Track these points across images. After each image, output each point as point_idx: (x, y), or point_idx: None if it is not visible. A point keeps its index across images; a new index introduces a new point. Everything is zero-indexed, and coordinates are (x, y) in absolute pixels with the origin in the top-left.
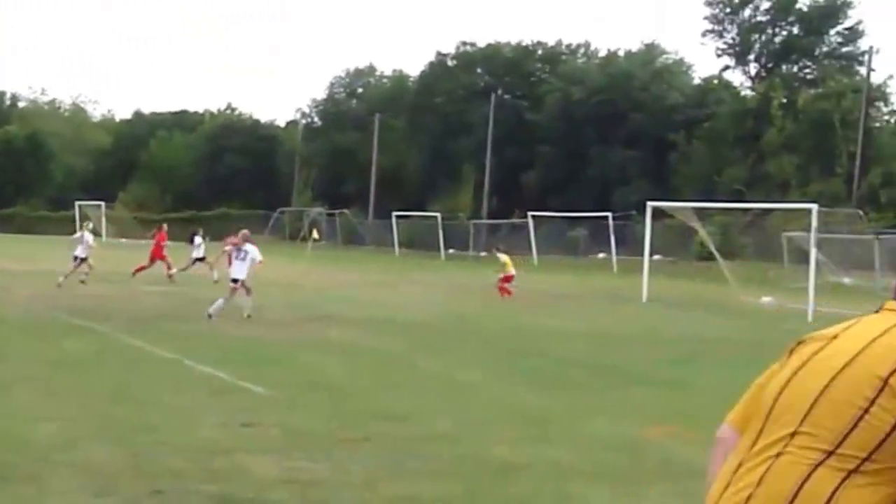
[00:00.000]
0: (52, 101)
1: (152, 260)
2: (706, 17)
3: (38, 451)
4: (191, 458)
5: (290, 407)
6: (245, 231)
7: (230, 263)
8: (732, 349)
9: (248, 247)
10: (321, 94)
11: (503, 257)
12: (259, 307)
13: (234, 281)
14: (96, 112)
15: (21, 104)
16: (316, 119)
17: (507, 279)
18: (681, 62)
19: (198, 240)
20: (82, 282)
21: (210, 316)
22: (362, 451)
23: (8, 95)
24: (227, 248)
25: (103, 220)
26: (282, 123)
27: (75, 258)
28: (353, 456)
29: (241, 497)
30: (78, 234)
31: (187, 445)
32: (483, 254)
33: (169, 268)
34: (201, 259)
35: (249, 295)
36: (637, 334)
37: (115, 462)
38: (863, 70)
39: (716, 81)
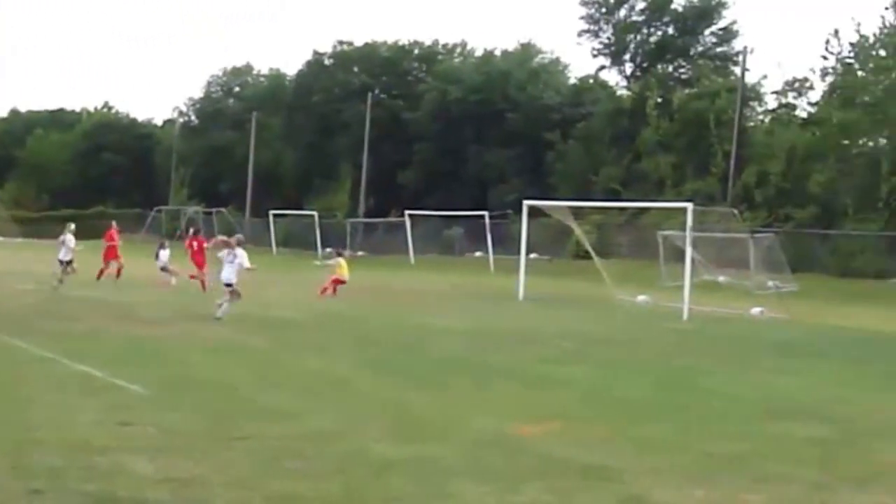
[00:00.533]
0: None
1: (107, 260)
2: (582, 17)
3: None
4: (69, 457)
5: (168, 405)
6: (239, 236)
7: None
8: (608, 347)
9: (239, 251)
10: (198, 93)
11: (342, 262)
12: (135, 305)
13: (228, 285)
14: None
15: None
16: (193, 118)
17: (339, 282)
18: (557, 62)
19: (164, 253)
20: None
21: (219, 318)
22: (241, 449)
23: None
24: (221, 253)
25: None
26: (159, 122)
27: (61, 262)
28: (231, 455)
29: (121, 496)
30: (61, 238)
31: (65, 444)
32: (360, 253)
33: (120, 270)
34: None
35: (232, 300)
36: (514, 332)
37: None
38: (737, 70)
39: (592, 81)
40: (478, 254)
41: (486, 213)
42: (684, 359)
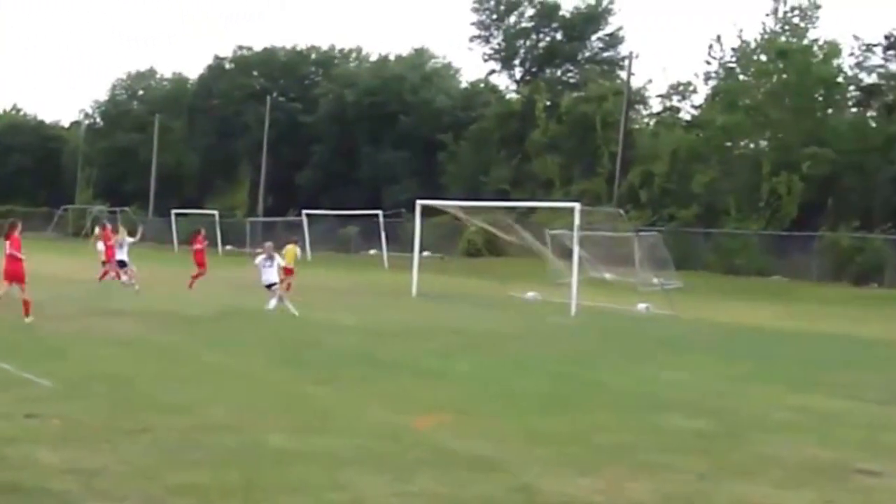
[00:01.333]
0: None
1: (108, 261)
2: (473, 23)
3: None
4: None
5: (73, 398)
6: (269, 243)
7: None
8: (499, 341)
9: (276, 256)
10: (103, 96)
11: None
12: (43, 302)
13: (271, 285)
14: None
15: None
16: (98, 120)
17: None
18: (449, 66)
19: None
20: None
21: (270, 310)
22: (143, 441)
23: None
24: (258, 260)
25: None
26: (66, 124)
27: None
28: (134, 446)
29: (27, 486)
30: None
31: None
32: (259, 250)
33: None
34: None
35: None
36: (408, 328)
37: None
38: (623, 74)
39: (482, 85)
40: (372, 251)
41: (380, 212)
42: (573, 353)
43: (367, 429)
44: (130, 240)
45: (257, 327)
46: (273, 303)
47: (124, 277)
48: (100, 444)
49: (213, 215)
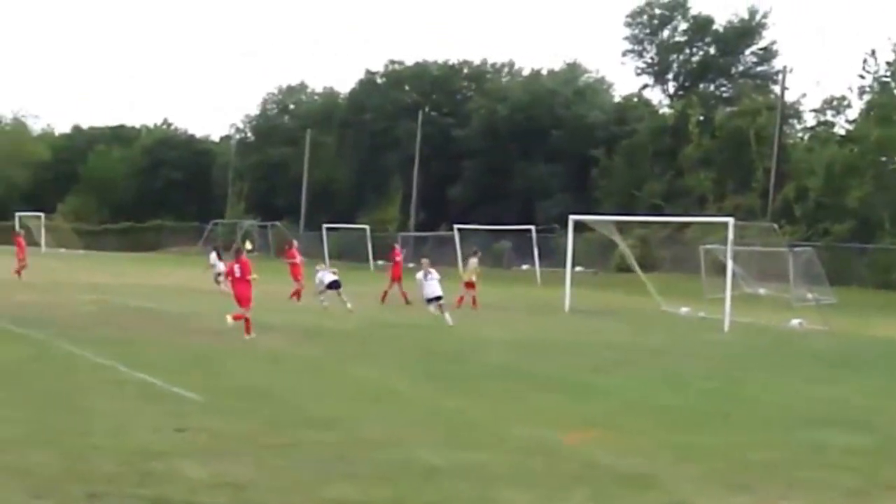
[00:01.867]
0: None
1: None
2: (626, 38)
3: None
4: (125, 462)
5: (221, 412)
6: (426, 259)
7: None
8: (651, 357)
9: (433, 271)
10: (254, 111)
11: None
12: (190, 316)
13: (438, 298)
14: (37, 126)
15: None
16: (249, 134)
17: (471, 286)
18: (602, 81)
19: (214, 256)
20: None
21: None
22: (291, 455)
23: None
24: (419, 275)
25: (42, 230)
26: (216, 138)
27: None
28: (282, 460)
29: (175, 500)
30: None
31: (122, 449)
32: (411, 265)
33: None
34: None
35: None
36: (559, 343)
37: (51, 465)
38: (777, 88)
39: (635, 99)
40: (525, 267)
41: (532, 227)
42: (725, 368)
43: (517, 444)
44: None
45: (407, 341)
46: (448, 318)
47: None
48: (248, 458)
49: (364, 230)
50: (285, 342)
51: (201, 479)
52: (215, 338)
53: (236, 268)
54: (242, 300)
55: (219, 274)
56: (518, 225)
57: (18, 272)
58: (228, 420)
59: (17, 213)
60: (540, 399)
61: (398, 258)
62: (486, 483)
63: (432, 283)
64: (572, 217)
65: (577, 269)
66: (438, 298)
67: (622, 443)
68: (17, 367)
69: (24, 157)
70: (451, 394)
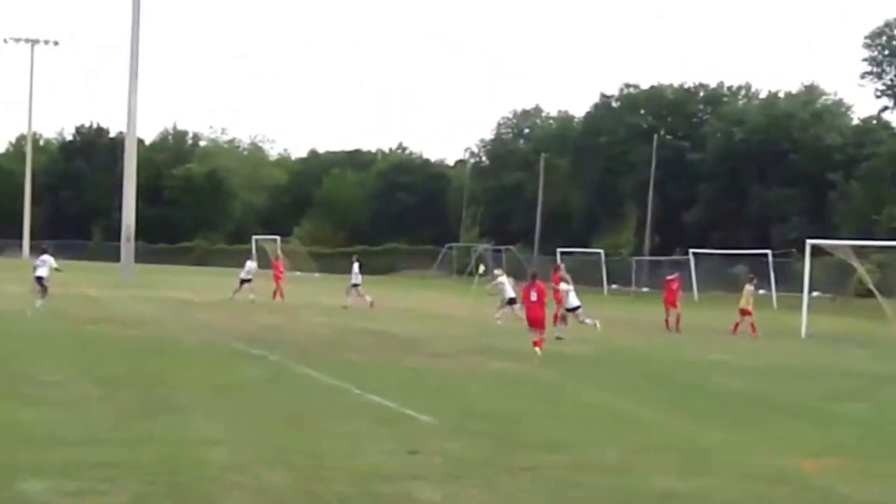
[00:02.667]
0: (232, 141)
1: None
2: (865, 59)
3: (212, 473)
4: (357, 484)
5: (454, 435)
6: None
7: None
8: (893, 385)
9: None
10: (489, 135)
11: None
12: (424, 339)
13: (576, 308)
14: (273, 151)
15: (202, 143)
16: (484, 158)
17: (745, 312)
18: (840, 103)
19: (356, 267)
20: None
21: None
22: (525, 479)
23: (190, 135)
24: (564, 287)
25: (279, 253)
26: (451, 162)
27: (241, 280)
28: (516, 485)
29: None
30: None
31: (354, 471)
32: (645, 289)
33: None
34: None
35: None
36: (797, 369)
37: (285, 486)
38: None
39: (874, 122)
40: (761, 291)
41: (768, 251)
42: None
43: (752, 470)
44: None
45: (639, 366)
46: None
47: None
48: (480, 481)
49: (598, 254)
50: (517, 365)
51: (433, 502)
52: (447, 361)
53: (533, 293)
54: (537, 323)
55: (356, 285)
56: (754, 249)
57: (278, 294)
58: (461, 443)
59: (254, 237)
60: (777, 425)
61: (674, 286)
62: None
63: (572, 294)
64: (809, 241)
65: (814, 293)
66: (577, 308)
67: (862, 471)
68: (253, 388)
69: (261, 181)
70: (686, 419)
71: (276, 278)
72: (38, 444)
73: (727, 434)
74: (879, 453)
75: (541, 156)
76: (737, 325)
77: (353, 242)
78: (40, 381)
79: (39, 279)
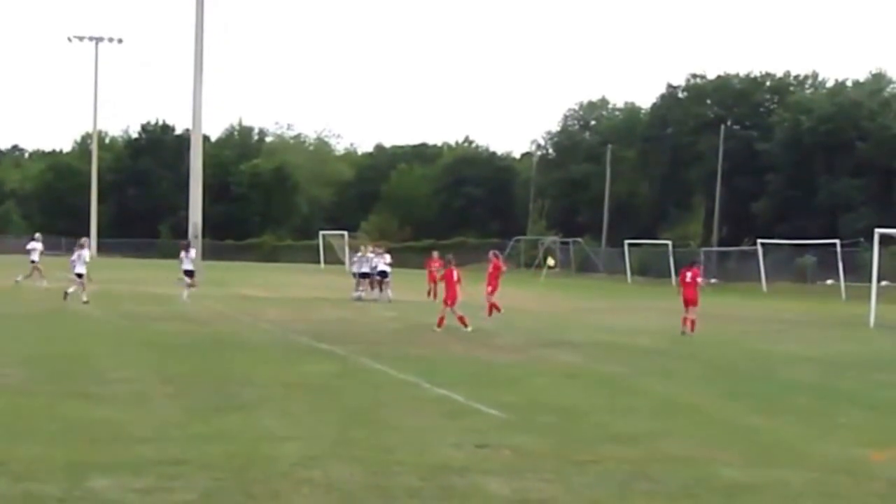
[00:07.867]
0: (298, 136)
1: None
2: None
3: (281, 469)
4: (426, 478)
5: (522, 428)
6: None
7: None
8: None
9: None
10: (555, 127)
11: None
12: (491, 332)
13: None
14: (339, 146)
15: (268, 139)
16: (550, 150)
17: None
18: None
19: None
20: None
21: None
22: (592, 472)
23: (256, 131)
24: None
25: (346, 248)
26: (517, 155)
27: (354, 274)
28: (584, 477)
29: None
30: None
31: (423, 465)
32: (713, 280)
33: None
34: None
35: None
36: (865, 359)
37: (354, 480)
38: None
39: None
40: (829, 281)
41: (837, 241)
42: None
43: (820, 461)
44: None
45: (708, 358)
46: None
47: None
48: (550, 474)
49: (666, 245)
50: (584, 358)
51: (503, 496)
52: (515, 354)
53: (688, 274)
54: (691, 302)
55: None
56: (822, 239)
57: (432, 294)
58: (530, 436)
59: (321, 232)
60: (845, 416)
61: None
62: (788, 500)
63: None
64: (878, 230)
65: (883, 283)
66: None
67: None
68: (322, 384)
69: (328, 176)
70: (752, 410)
71: (431, 278)
72: (107, 441)
73: (793, 424)
74: None
75: (607, 147)
76: None
77: (421, 237)
78: (109, 379)
79: (80, 276)
